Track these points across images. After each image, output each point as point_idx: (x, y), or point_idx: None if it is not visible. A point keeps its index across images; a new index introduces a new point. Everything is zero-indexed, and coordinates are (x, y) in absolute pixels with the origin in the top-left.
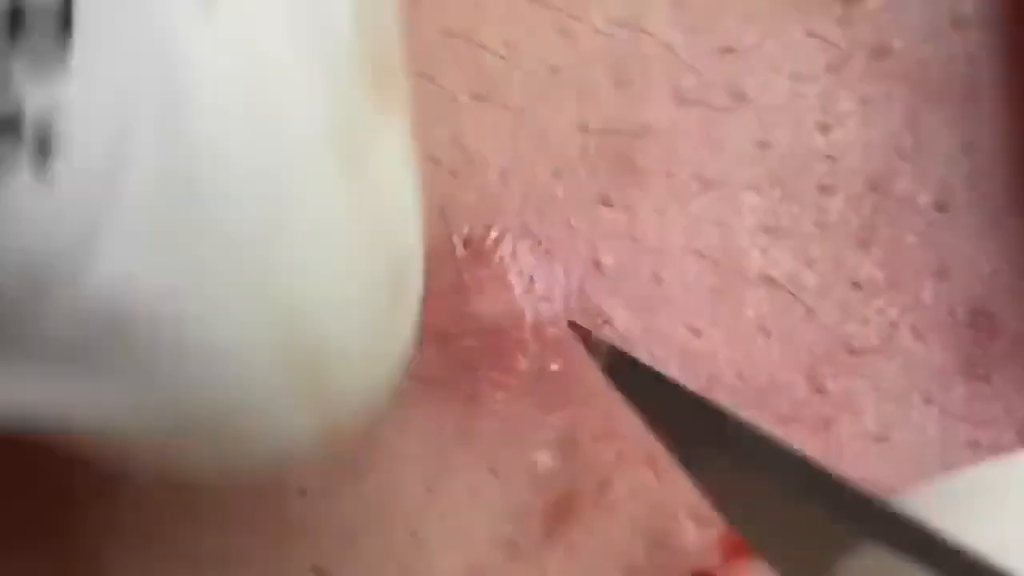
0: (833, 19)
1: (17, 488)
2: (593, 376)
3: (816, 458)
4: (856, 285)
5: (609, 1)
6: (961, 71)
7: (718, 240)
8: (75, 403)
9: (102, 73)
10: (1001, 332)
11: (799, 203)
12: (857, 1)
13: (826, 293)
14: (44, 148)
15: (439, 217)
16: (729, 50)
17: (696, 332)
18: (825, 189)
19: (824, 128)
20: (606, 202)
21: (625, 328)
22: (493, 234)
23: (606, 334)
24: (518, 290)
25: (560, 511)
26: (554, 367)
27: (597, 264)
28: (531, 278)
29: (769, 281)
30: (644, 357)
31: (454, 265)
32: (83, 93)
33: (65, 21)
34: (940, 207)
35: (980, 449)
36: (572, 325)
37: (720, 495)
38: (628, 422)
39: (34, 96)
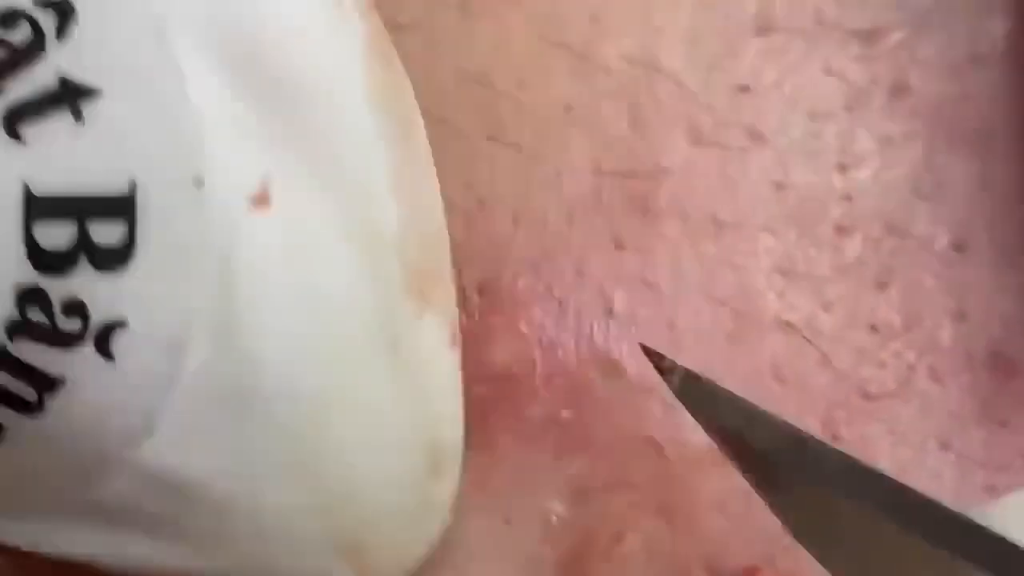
0: (851, 57)
1: None
2: (605, 424)
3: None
4: (873, 328)
5: (624, 40)
6: (980, 109)
7: (733, 284)
8: (131, 556)
9: (161, 270)
10: (1019, 374)
11: (816, 245)
12: (876, 38)
13: (842, 337)
14: (107, 334)
15: (453, 263)
16: (745, 89)
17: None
18: (842, 230)
19: (842, 168)
20: (619, 245)
21: (637, 374)
22: (505, 279)
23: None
24: (529, 337)
25: (573, 562)
26: (566, 415)
27: (609, 310)
28: (542, 325)
29: (785, 325)
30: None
31: (468, 311)
32: (144, 287)
33: (129, 239)
34: (959, 248)
35: (997, 494)
36: (644, 348)
37: (798, 518)
38: (641, 471)
39: (99, 290)
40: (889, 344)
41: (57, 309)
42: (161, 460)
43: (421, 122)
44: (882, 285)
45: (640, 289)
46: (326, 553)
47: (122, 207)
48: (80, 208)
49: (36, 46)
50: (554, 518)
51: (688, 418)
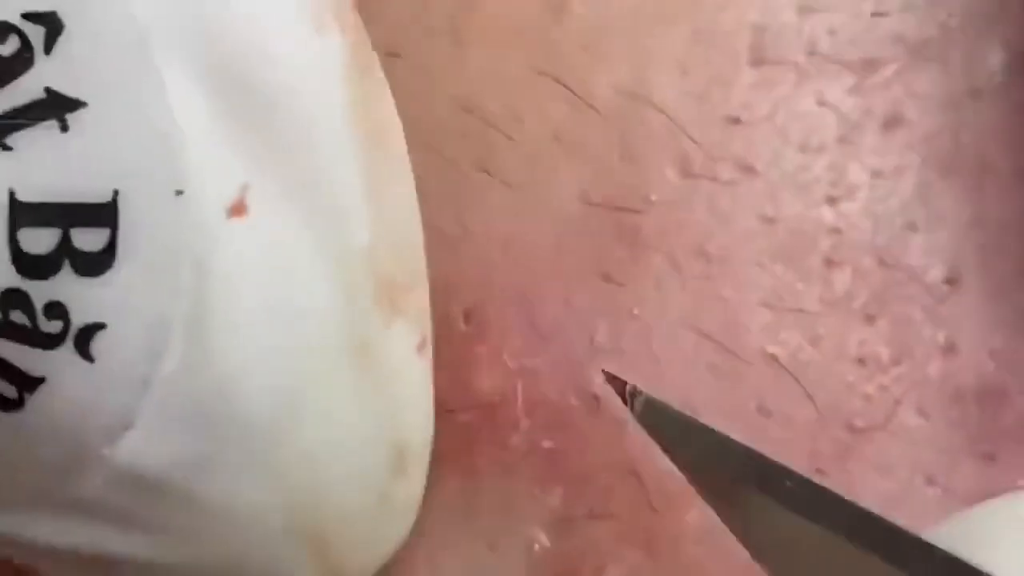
0: (845, 89)
1: None
2: (587, 455)
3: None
4: (861, 361)
5: (616, 71)
6: (975, 143)
7: (719, 317)
8: (109, 547)
9: (140, 276)
10: (1008, 409)
11: (804, 279)
12: (870, 71)
13: (829, 370)
14: (87, 337)
15: (441, 290)
16: (737, 121)
17: (693, 411)
18: (832, 263)
19: (832, 201)
20: (606, 277)
21: (619, 406)
22: (491, 308)
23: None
24: (512, 366)
25: None
26: (548, 445)
27: (592, 340)
28: (526, 354)
29: (770, 359)
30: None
31: (454, 339)
32: (124, 291)
33: (111, 246)
34: (950, 281)
35: None
36: (607, 375)
37: (758, 541)
38: (624, 502)
39: (80, 294)
40: (877, 377)
41: (39, 311)
42: (135, 458)
43: (400, 131)
44: (870, 318)
45: (625, 321)
46: (293, 548)
47: (104, 215)
48: (63, 215)
49: (25, 58)
50: (537, 547)
51: None
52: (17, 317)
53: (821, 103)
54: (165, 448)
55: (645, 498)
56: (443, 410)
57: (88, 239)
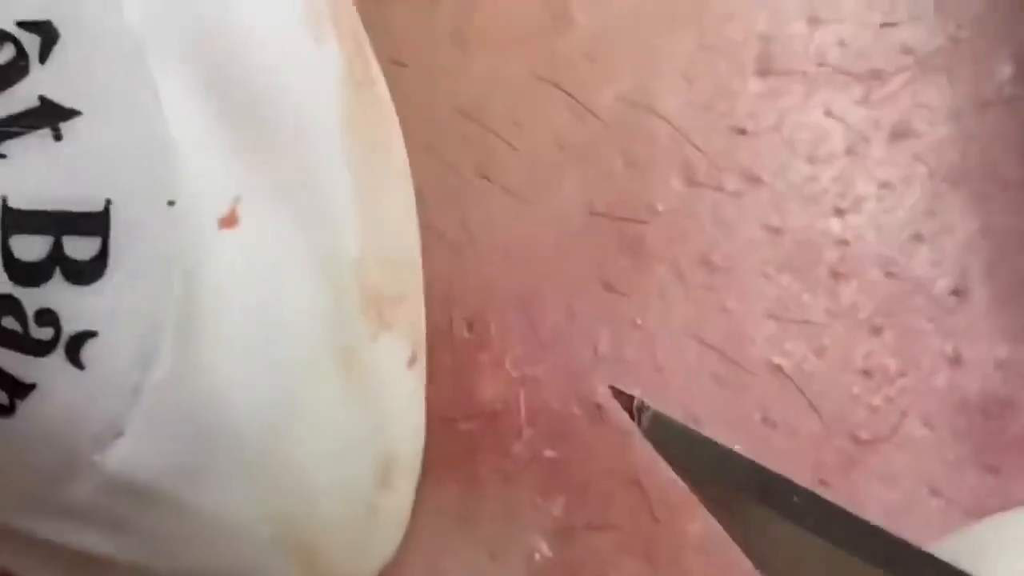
0: (853, 100)
1: None
2: (589, 464)
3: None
4: (866, 373)
5: (621, 79)
6: (983, 154)
7: (723, 327)
8: (101, 551)
9: (131, 285)
10: (1014, 421)
11: (810, 290)
12: (878, 82)
13: (834, 381)
14: (78, 344)
15: (442, 298)
16: (743, 131)
17: (697, 421)
18: (838, 275)
19: (839, 212)
20: (608, 286)
21: (621, 415)
22: (493, 316)
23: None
24: (514, 375)
25: None
26: (549, 454)
27: (595, 350)
28: (528, 363)
29: (775, 369)
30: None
31: (456, 347)
32: (114, 300)
33: (102, 255)
34: (957, 293)
35: None
36: (614, 391)
37: (765, 555)
38: (625, 512)
39: (71, 302)
40: (882, 389)
41: (31, 318)
42: (125, 466)
43: (400, 144)
44: (877, 329)
45: (627, 330)
46: (281, 558)
47: (96, 224)
48: (56, 223)
49: (20, 67)
50: (537, 555)
51: None
52: (8, 323)
53: (829, 114)
54: (155, 456)
55: (647, 508)
56: (445, 418)
57: (80, 247)
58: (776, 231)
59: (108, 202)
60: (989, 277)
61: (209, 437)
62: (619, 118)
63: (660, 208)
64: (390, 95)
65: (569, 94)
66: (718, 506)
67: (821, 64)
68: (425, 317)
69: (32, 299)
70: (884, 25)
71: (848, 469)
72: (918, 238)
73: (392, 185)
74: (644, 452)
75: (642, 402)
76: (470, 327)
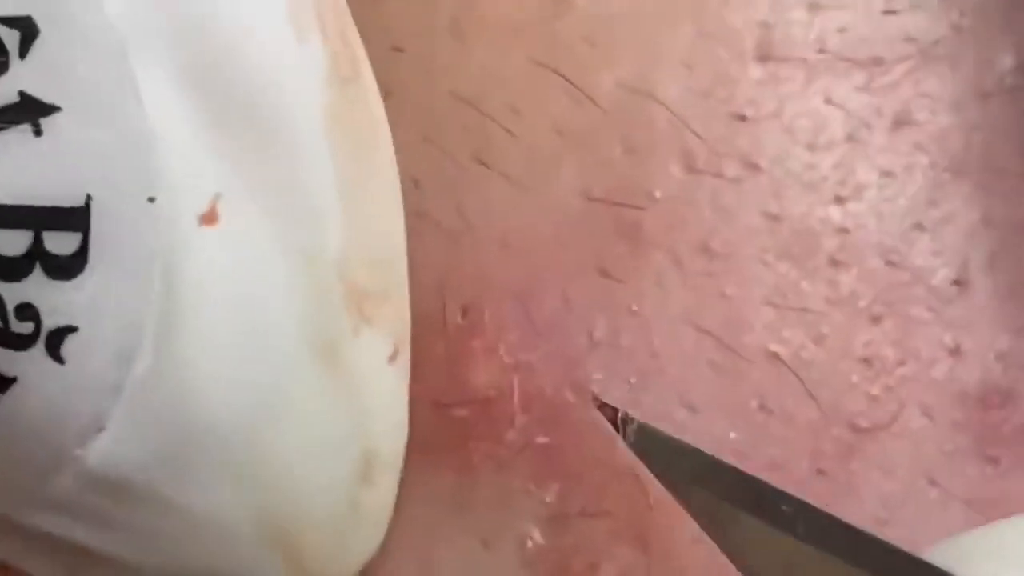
0: (854, 87)
1: None
2: (582, 452)
3: (851, 523)
4: (865, 361)
5: (620, 65)
6: (985, 144)
7: (721, 314)
8: (87, 545)
9: (112, 281)
10: (1013, 412)
11: (809, 277)
12: (880, 70)
13: (833, 369)
14: (58, 339)
15: (437, 284)
16: (743, 118)
17: (693, 409)
18: (837, 263)
19: (840, 200)
20: (605, 273)
21: (616, 403)
22: (488, 303)
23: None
24: (508, 362)
25: None
26: (542, 441)
27: (590, 336)
28: (522, 350)
29: (772, 357)
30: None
31: (449, 333)
32: (95, 295)
33: (82, 250)
34: (957, 283)
35: None
36: (598, 403)
37: (754, 565)
38: (618, 499)
39: (51, 297)
40: (881, 378)
41: (11, 312)
42: (107, 460)
43: (387, 142)
44: (876, 318)
45: (624, 317)
46: (266, 554)
47: (77, 219)
48: (35, 218)
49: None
50: (531, 542)
51: None
52: None
53: (829, 101)
54: (136, 451)
55: (641, 495)
56: (438, 405)
57: (60, 243)
58: (775, 218)
59: (88, 198)
60: (990, 267)
61: (191, 432)
62: (618, 104)
63: (658, 195)
64: (387, 80)
65: (568, 80)
66: (705, 516)
67: (822, 51)
68: (418, 304)
69: (12, 293)
70: (886, 12)
71: (846, 458)
72: (919, 227)
73: (377, 181)
74: None
75: (627, 414)
76: (464, 313)
